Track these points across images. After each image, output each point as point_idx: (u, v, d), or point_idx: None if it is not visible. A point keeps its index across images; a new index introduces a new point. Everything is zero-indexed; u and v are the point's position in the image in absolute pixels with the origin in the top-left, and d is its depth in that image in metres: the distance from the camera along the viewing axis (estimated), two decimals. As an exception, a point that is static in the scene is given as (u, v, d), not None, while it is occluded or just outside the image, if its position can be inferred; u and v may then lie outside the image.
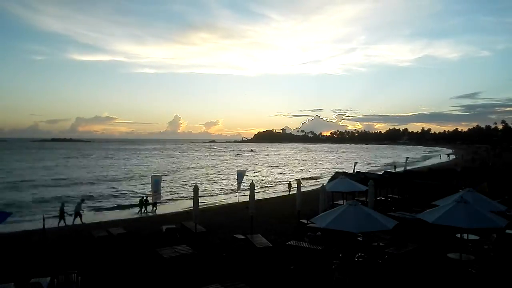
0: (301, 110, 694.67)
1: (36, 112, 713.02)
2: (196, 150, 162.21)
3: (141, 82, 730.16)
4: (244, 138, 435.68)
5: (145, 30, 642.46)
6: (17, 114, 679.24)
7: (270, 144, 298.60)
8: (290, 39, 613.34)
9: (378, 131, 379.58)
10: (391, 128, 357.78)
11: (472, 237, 12.23)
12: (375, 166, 70.83)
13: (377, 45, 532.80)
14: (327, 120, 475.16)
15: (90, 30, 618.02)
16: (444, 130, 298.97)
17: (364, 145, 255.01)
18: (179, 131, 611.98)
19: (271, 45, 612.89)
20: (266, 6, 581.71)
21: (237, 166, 60.90)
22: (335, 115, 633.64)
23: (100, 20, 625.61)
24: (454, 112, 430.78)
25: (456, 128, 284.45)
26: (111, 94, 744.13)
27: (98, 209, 27.71)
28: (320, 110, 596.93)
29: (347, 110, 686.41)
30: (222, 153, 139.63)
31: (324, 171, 63.13)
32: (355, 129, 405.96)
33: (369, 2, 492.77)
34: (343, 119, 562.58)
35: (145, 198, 26.38)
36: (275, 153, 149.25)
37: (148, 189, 29.31)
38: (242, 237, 14.80)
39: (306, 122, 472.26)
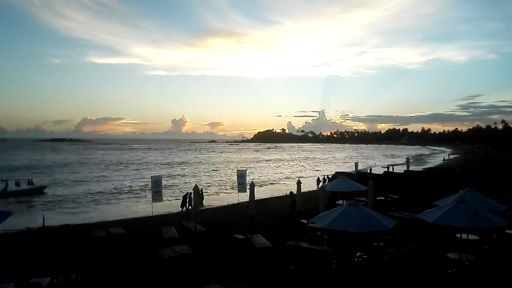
0: (304, 111, 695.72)
1: (45, 112, 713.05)
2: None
3: (152, 84, 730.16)
4: (244, 138, 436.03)
5: (164, 34, 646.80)
6: (24, 114, 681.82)
7: (258, 144, 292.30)
8: (302, 44, 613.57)
9: (379, 131, 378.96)
10: (390, 128, 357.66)
11: (472, 237, 12.24)
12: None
13: (388, 48, 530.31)
14: (331, 120, 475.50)
15: (110, 34, 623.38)
16: (444, 130, 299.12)
17: (363, 145, 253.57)
18: (183, 131, 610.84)
19: (283, 49, 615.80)
20: (281, 13, 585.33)
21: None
22: (339, 116, 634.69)
23: (120, 24, 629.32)
24: (457, 113, 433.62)
25: (456, 128, 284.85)
26: (123, 95, 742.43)
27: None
28: (324, 110, 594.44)
29: (350, 111, 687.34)
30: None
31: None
32: (355, 129, 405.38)
33: (381, 9, 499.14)
34: (347, 119, 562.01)
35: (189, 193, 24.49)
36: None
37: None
38: (242, 237, 14.80)
39: (310, 122, 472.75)
